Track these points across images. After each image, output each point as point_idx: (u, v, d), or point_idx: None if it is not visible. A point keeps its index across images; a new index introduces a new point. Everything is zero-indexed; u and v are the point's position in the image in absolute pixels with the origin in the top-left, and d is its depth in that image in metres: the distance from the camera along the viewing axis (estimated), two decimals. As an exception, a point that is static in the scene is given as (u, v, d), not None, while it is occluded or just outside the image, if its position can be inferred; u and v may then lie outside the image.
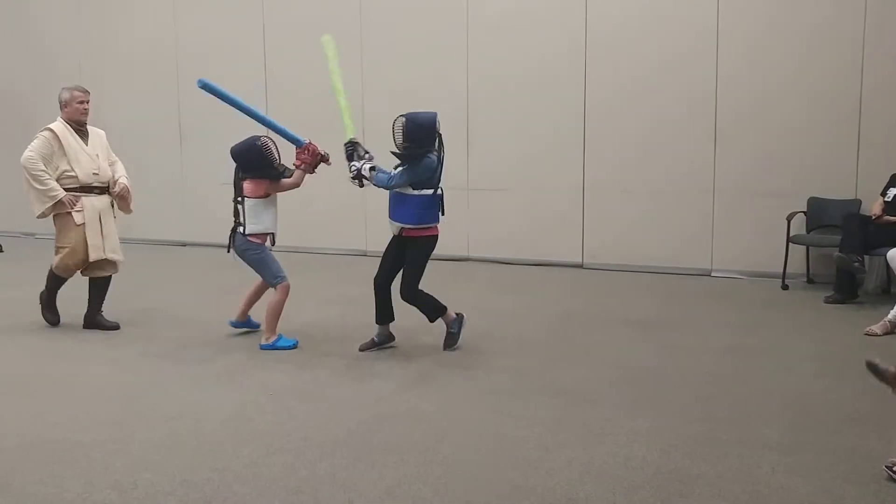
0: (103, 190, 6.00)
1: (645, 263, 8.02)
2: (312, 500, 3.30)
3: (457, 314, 5.47)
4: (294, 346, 5.48)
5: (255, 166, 5.40)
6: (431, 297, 5.35)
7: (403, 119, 5.07)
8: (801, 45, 7.37)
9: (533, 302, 6.85)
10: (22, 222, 9.62)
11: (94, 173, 5.91)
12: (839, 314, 6.37)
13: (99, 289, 6.10)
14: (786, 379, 4.79)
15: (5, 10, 10.39)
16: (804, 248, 7.42)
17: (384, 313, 5.40)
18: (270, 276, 5.50)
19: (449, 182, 8.48)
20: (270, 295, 5.57)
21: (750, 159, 7.61)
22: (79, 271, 6.02)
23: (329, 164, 5.56)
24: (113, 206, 6.07)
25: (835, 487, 3.36)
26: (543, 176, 8.29)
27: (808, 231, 7.38)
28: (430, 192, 5.14)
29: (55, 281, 6.10)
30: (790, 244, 7.27)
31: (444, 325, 5.46)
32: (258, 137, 5.44)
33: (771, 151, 7.54)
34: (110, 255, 5.98)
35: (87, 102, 5.97)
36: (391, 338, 5.48)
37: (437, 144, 5.14)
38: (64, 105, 5.94)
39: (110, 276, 6.11)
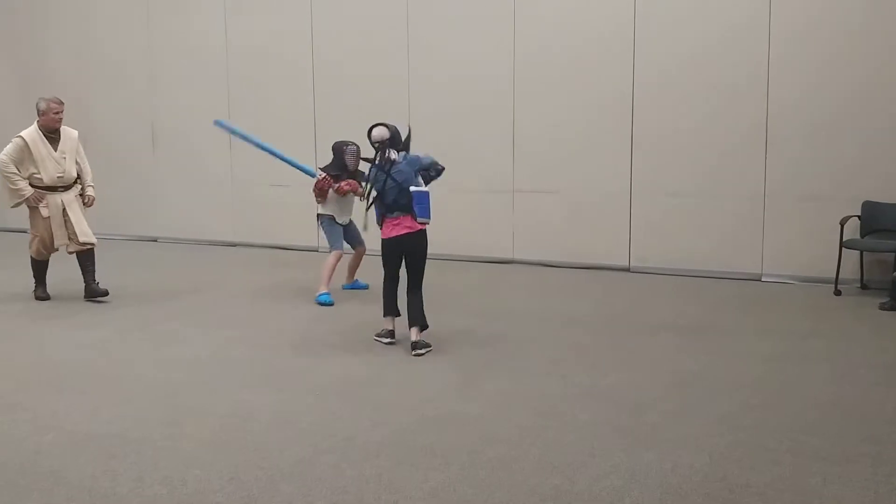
0: (68, 187, 6.81)
1: (693, 267, 7.90)
2: (358, 500, 3.32)
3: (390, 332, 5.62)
4: (329, 304, 6.63)
5: (334, 163, 6.82)
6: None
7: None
8: (851, 41, 7.21)
9: (579, 305, 6.80)
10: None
11: (58, 176, 6.74)
12: (895, 321, 6.21)
13: (86, 262, 6.89)
14: (838, 387, 4.69)
15: (71, 20, 10.63)
16: (858, 252, 7.25)
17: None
18: (329, 242, 6.97)
19: (494, 185, 8.66)
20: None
21: (802, 161, 7.46)
22: (68, 251, 6.86)
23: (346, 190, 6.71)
24: (82, 197, 6.89)
25: (891, 501, 3.27)
26: (589, 178, 8.23)
27: (863, 236, 7.21)
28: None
29: (37, 266, 7.00)
30: (843, 249, 7.11)
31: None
32: (349, 143, 6.78)
33: (823, 153, 7.38)
34: (82, 239, 6.76)
35: (62, 112, 6.77)
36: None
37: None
38: (41, 114, 6.72)
39: (92, 248, 6.87)
